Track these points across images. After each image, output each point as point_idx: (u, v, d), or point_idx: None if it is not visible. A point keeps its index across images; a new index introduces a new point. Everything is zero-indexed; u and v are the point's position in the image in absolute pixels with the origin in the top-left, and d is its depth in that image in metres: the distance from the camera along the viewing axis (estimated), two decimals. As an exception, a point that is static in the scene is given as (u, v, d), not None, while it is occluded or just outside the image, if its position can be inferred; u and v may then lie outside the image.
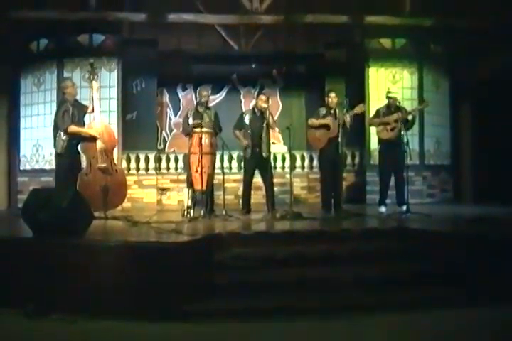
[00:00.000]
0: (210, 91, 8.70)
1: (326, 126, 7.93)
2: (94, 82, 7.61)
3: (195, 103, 8.83)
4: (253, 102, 9.02)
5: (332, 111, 7.96)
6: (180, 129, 8.54)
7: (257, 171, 8.11)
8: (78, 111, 7.44)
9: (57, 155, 7.40)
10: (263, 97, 8.03)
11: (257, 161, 7.94)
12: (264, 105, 7.89)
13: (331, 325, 4.54)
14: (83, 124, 7.55)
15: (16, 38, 9.96)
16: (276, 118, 9.09)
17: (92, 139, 7.41)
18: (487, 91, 10.33)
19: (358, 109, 7.90)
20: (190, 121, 7.85)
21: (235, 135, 8.10)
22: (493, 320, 4.52)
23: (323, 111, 8.11)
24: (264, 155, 7.88)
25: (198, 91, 8.53)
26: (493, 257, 5.15)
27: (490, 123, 10.31)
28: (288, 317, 4.66)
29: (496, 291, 4.93)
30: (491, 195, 9.73)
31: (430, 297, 5.09)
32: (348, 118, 7.81)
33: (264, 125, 7.87)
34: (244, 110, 8.98)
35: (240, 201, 8.41)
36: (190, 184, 7.74)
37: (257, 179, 8.21)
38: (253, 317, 4.68)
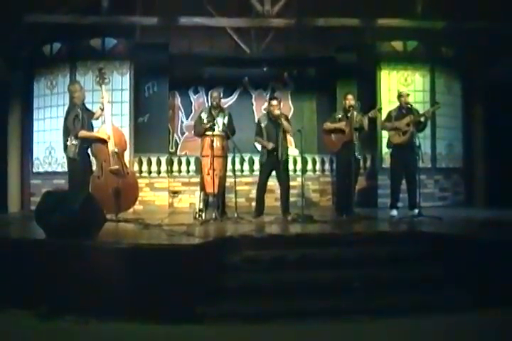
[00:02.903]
0: (221, 93, 8.72)
1: (341, 131, 7.92)
2: (103, 86, 7.66)
3: (207, 106, 8.84)
4: (265, 105, 9.02)
5: (349, 115, 7.92)
6: (193, 131, 8.54)
7: (272, 174, 8.10)
8: (87, 116, 7.48)
9: (69, 160, 7.43)
10: (274, 102, 7.97)
11: (274, 165, 7.90)
12: (277, 112, 7.84)
13: (342, 328, 4.54)
14: (92, 129, 7.59)
15: (29, 41, 10.03)
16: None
17: (103, 142, 7.44)
18: (499, 93, 10.29)
19: (372, 113, 7.88)
20: (205, 122, 7.87)
21: (258, 142, 8.13)
22: (504, 322, 4.51)
23: (339, 114, 8.10)
24: (280, 158, 7.85)
25: (209, 93, 8.56)
26: (506, 260, 5.14)
27: (502, 126, 10.26)
28: (299, 320, 4.66)
29: (509, 294, 4.92)
30: (503, 198, 9.66)
31: (441, 299, 5.08)
32: (366, 120, 7.79)
33: (280, 130, 7.86)
34: (259, 115, 8.97)
35: (252, 204, 8.41)
36: (202, 187, 7.77)
37: (270, 182, 8.20)
38: (264, 320, 4.69)
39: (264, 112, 8.40)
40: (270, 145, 7.82)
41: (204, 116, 8.00)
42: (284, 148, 7.89)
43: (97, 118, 7.66)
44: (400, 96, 8.17)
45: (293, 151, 10.47)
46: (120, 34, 9.93)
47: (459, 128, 11.04)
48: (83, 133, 7.29)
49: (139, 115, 10.18)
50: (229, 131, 7.81)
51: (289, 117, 8.96)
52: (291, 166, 10.38)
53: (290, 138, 10.35)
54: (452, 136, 10.81)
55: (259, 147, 8.18)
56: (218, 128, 7.75)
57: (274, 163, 7.88)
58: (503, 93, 10.12)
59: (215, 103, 8.06)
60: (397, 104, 8.26)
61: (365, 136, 8.13)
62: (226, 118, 7.99)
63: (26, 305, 4.89)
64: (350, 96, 8.02)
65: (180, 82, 10.80)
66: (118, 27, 9.51)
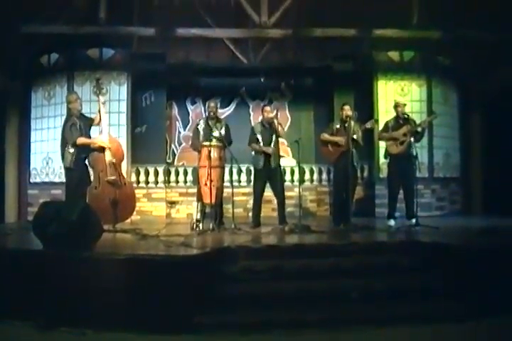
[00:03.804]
0: (218, 103, 8.76)
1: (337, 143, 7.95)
2: (100, 96, 7.69)
3: (204, 116, 8.83)
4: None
5: (346, 125, 7.93)
6: (190, 143, 8.57)
7: (267, 184, 8.11)
8: (84, 124, 7.50)
9: (66, 170, 7.46)
10: (268, 108, 8.10)
11: (268, 173, 7.95)
12: (271, 115, 7.94)
13: (340, 338, 4.53)
14: (89, 137, 7.60)
15: (26, 51, 10.05)
16: (284, 129, 9.07)
17: (101, 151, 7.44)
18: (496, 102, 10.32)
19: (369, 124, 7.90)
20: (201, 135, 7.89)
21: (253, 148, 8.13)
22: (503, 332, 4.50)
23: (336, 125, 8.12)
24: (273, 166, 7.88)
25: (206, 103, 8.59)
26: (504, 269, 5.14)
27: (499, 135, 10.28)
28: (297, 330, 4.65)
29: (507, 303, 4.91)
30: (500, 207, 9.67)
31: (440, 309, 5.07)
32: (359, 132, 7.82)
33: (274, 136, 7.90)
34: (253, 124, 9.00)
35: (249, 214, 8.40)
36: (199, 197, 7.76)
37: (267, 192, 8.21)
38: (263, 330, 4.68)
39: (259, 121, 8.42)
40: (270, 150, 7.86)
41: (201, 127, 8.02)
42: (275, 156, 7.92)
43: (98, 124, 7.67)
44: (396, 106, 8.19)
45: (290, 161, 10.49)
46: (118, 44, 9.96)
47: (456, 138, 11.06)
48: (81, 139, 7.32)
49: (136, 125, 10.19)
50: (226, 141, 7.82)
51: (287, 127, 9.00)
52: (288, 176, 10.44)
53: (287, 149, 10.41)
54: (449, 146, 10.82)
55: (253, 153, 8.16)
56: (215, 139, 7.76)
57: (269, 170, 7.92)
58: (500, 102, 10.15)
59: (212, 113, 8.08)
60: (394, 114, 8.28)
61: (358, 148, 8.11)
62: (223, 128, 8.00)
63: (24, 316, 4.87)
64: (347, 107, 8.04)
65: (178, 93, 10.83)
66: (115, 37, 9.54)
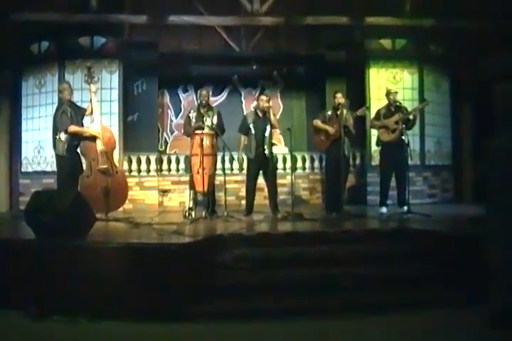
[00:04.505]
0: (210, 92, 8.74)
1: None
2: (92, 84, 7.66)
3: (196, 104, 8.81)
4: (254, 103, 9.03)
5: (338, 112, 7.94)
6: (182, 130, 8.58)
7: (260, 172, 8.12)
8: (76, 113, 7.46)
9: (58, 157, 7.42)
10: (264, 97, 8.07)
11: (261, 161, 7.96)
12: (267, 105, 7.93)
13: (331, 326, 4.56)
14: (82, 126, 7.58)
15: (17, 40, 9.98)
16: (277, 118, 9.06)
17: (92, 140, 7.42)
18: (487, 91, 10.32)
19: (360, 112, 7.90)
20: (193, 122, 7.88)
21: (239, 138, 8.13)
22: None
23: (328, 112, 8.13)
24: (266, 154, 7.90)
25: (198, 92, 8.56)
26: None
27: (490, 123, 10.29)
28: (288, 318, 4.68)
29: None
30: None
31: (431, 297, 5.11)
32: (351, 120, 7.82)
33: (268, 125, 7.91)
34: (245, 112, 8.98)
35: (242, 202, 8.41)
36: (191, 185, 7.76)
37: (259, 180, 8.22)
38: (254, 318, 4.69)
39: (253, 110, 8.41)
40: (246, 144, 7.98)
41: (193, 115, 8.00)
42: (269, 144, 7.93)
43: (90, 114, 7.64)
44: (388, 94, 8.22)
45: (282, 149, 10.49)
46: (109, 32, 9.91)
47: (448, 126, 11.09)
48: (73, 128, 7.29)
49: (128, 114, 10.16)
50: (218, 129, 7.80)
51: (279, 115, 8.97)
52: (280, 164, 10.44)
53: (279, 136, 10.41)
54: (441, 134, 10.86)
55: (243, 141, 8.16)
56: (207, 127, 7.75)
57: (262, 160, 7.93)
58: (490, 91, 10.15)
59: (203, 101, 8.05)
60: (386, 101, 8.29)
61: (354, 134, 8.12)
62: (215, 116, 7.99)
63: (15, 305, 4.87)
64: (339, 95, 8.04)
65: (170, 81, 10.77)
66: (107, 25, 9.49)
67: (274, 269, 5.46)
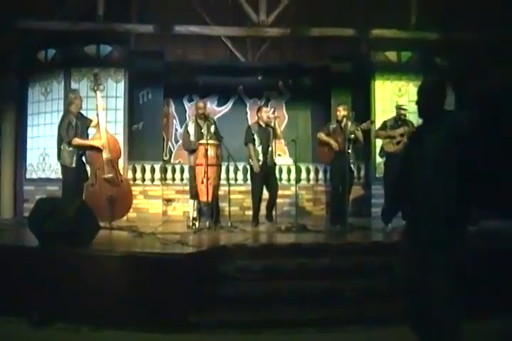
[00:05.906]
0: (207, 103, 8.73)
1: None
2: (98, 92, 7.67)
3: (193, 117, 8.67)
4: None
5: (342, 125, 7.94)
6: (182, 146, 8.54)
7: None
8: (82, 124, 7.48)
9: (63, 167, 7.44)
10: (265, 109, 8.16)
11: (265, 172, 8.02)
12: (271, 116, 7.97)
13: (333, 338, 4.54)
14: (87, 136, 7.60)
15: (24, 47, 10.03)
16: (282, 130, 9.07)
17: (98, 149, 7.44)
18: (488, 103, 10.32)
19: (364, 126, 7.87)
20: (192, 134, 7.88)
21: (249, 149, 8.15)
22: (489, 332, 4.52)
23: (333, 124, 8.14)
24: (269, 164, 7.95)
25: (195, 104, 8.55)
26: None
27: (491, 135, 10.27)
28: (290, 330, 4.66)
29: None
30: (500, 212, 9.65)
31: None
32: (360, 133, 7.81)
33: (271, 136, 7.94)
34: (250, 123, 8.98)
35: (246, 212, 8.41)
36: (195, 195, 7.75)
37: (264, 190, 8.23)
38: (257, 329, 4.69)
39: (256, 121, 8.43)
40: (257, 167, 7.97)
41: (191, 128, 8.00)
42: (272, 154, 8.05)
43: (95, 126, 7.64)
44: (398, 108, 8.20)
45: (287, 160, 10.49)
46: (115, 41, 9.92)
47: (453, 138, 11.03)
48: (76, 141, 7.30)
49: (133, 122, 10.17)
50: (216, 137, 7.82)
51: (284, 126, 8.99)
52: (285, 175, 10.43)
53: (284, 148, 10.42)
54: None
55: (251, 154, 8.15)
56: (209, 138, 7.71)
57: (266, 170, 8.02)
58: (492, 103, 10.15)
59: (200, 112, 8.02)
60: (392, 114, 8.30)
61: (359, 146, 8.12)
62: (212, 126, 7.95)
63: (18, 313, 4.87)
64: (341, 107, 8.07)
65: (175, 90, 10.78)
66: (113, 34, 9.50)
67: (278, 281, 5.45)
